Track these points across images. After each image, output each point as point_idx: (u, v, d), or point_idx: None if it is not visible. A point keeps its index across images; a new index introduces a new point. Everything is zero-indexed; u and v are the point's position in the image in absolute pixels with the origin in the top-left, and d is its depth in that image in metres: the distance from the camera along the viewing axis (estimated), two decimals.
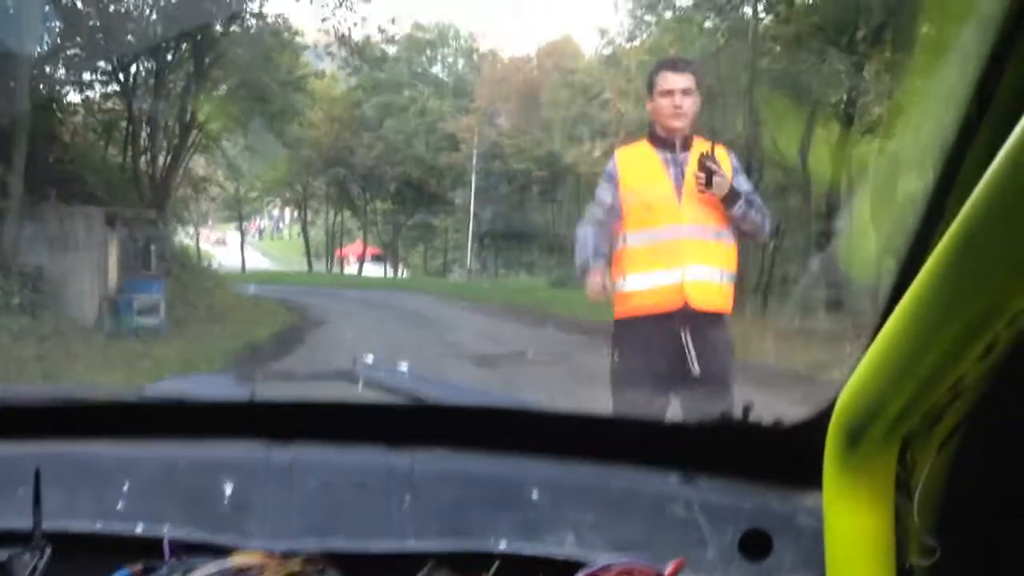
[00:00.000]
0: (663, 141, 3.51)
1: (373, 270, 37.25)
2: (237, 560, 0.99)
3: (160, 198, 16.92)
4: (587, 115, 25.08)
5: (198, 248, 24.53)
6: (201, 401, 1.41)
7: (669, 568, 1.04)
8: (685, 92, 3.47)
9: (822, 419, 0.96)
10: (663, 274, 3.40)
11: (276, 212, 53.20)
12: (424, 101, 32.61)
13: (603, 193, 3.53)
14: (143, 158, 17.23)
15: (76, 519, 1.11)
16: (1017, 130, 0.54)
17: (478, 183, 29.56)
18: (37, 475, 1.02)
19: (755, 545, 1.13)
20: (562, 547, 1.14)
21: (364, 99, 33.11)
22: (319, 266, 38.82)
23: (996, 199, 0.58)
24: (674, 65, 3.61)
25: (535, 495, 1.19)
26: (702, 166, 3.36)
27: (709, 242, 3.43)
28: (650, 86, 3.57)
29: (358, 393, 1.60)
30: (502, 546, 1.13)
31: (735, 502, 1.18)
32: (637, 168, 3.54)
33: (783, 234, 19.96)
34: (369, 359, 1.73)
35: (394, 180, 33.08)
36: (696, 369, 3.30)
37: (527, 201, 29.47)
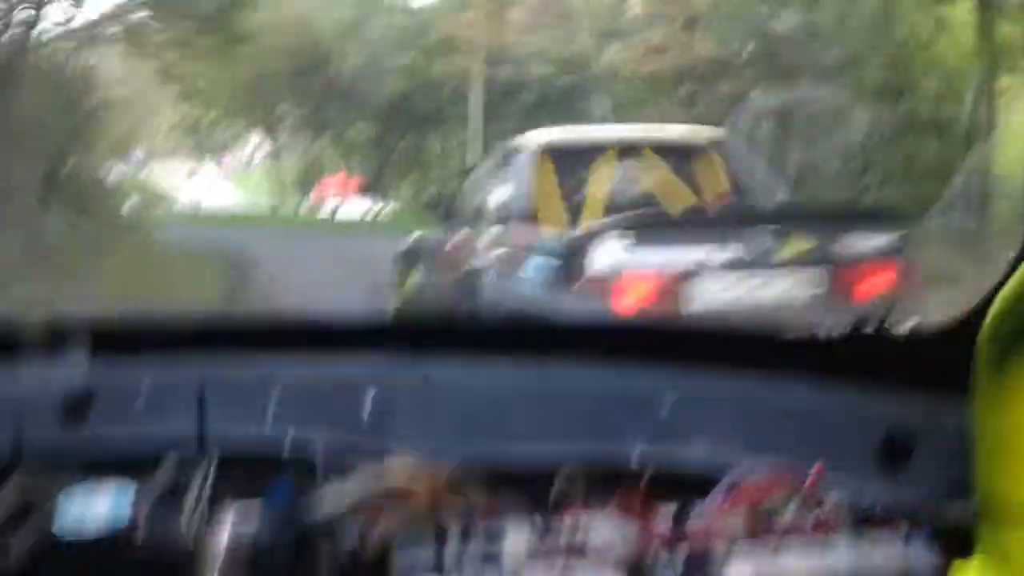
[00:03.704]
0: None
1: (358, 205, 33.38)
2: (390, 470, 1.12)
3: None
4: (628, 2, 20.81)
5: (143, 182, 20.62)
6: (338, 319, 1.64)
7: (810, 475, 1.12)
8: None
9: (967, 325, 1.09)
10: None
11: (255, 141, 49.32)
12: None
13: None
14: None
15: (231, 430, 1.26)
16: None
17: (484, 96, 25.18)
18: (202, 389, 1.23)
19: (895, 453, 1.21)
20: (697, 456, 1.23)
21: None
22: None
23: None
24: None
25: (668, 406, 1.28)
26: None
27: None
28: None
29: (489, 310, 2.07)
30: (637, 455, 1.23)
31: (873, 410, 1.26)
32: None
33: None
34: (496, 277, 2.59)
35: (379, 96, 28.72)
36: None
37: (548, 116, 25.18)
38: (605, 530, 1.07)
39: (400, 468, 1.12)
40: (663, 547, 1.05)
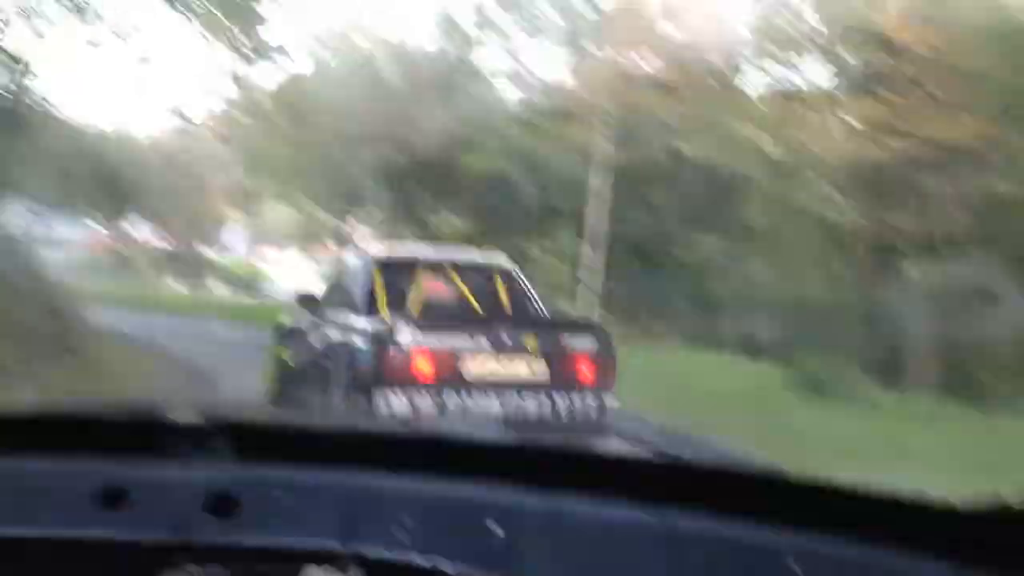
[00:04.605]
0: None
1: None
2: None
3: None
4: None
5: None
6: (472, 441, 1.62)
7: None
8: None
9: None
10: None
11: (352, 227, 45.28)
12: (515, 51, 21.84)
13: None
14: None
15: (367, 545, 1.28)
16: None
17: (611, 186, 18.61)
18: (350, 502, 1.30)
19: None
20: None
21: (426, 54, 22.89)
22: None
23: None
24: None
25: (797, 568, 1.24)
26: None
27: None
28: None
29: (611, 444, 2.50)
30: None
31: None
32: None
33: None
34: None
35: (475, 180, 22.55)
36: None
37: (694, 218, 18.23)
38: None
39: None
40: None
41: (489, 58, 22.80)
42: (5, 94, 12.88)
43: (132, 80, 23.55)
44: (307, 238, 41.06)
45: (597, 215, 18.98)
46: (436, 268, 7.59)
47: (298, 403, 7.52)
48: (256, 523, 1.27)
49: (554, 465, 1.45)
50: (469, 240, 26.12)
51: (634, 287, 18.95)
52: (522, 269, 22.73)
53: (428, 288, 7.39)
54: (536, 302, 7.83)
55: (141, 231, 31.10)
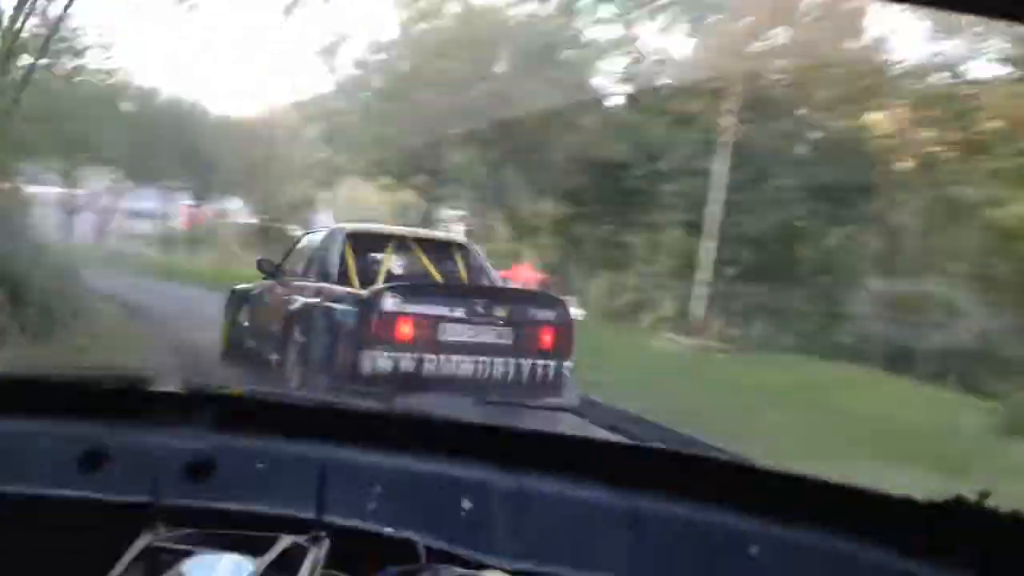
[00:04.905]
0: None
1: None
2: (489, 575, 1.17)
3: None
4: None
5: None
6: (443, 420, 1.68)
7: None
8: None
9: None
10: None
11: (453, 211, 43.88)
12: (631, 23, 19.74)
13: None
14: None
15: (337, 515, 1.32)
16: None
17: (737, 172, 16.43)
18: (322, 474, 1.29)
19: None
20: None
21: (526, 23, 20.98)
22: None
23: None
24: None
25: (754, 552, 1.28)
26: None
27: None
28: None
29: (585, 428, 2.08)
30: None
31: None
32: None
33: None
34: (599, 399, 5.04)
35: (574, 162, 20.62)
36: None
37: (851, 215, 15.88)
38: None
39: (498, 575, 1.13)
40: None
41: (596, 27, 20.71)
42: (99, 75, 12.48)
43: (224, 58, 23.36)
44: (393, 217, 39.86)
45: (712, 203, 16.85)
46: (401, 242, 8.35)
47: (256, 364, 7.99)
48: (230, 488, 1.32)
49: (523, 445, 1.49)
50: (560, 227, 24.39)
51: (751, 286, 16.77)
52: (619, 259, 20.17)
53: (395, 260, 8.10)
54: (490, 274, 8.60)
55: (230, 207, 30.74)
